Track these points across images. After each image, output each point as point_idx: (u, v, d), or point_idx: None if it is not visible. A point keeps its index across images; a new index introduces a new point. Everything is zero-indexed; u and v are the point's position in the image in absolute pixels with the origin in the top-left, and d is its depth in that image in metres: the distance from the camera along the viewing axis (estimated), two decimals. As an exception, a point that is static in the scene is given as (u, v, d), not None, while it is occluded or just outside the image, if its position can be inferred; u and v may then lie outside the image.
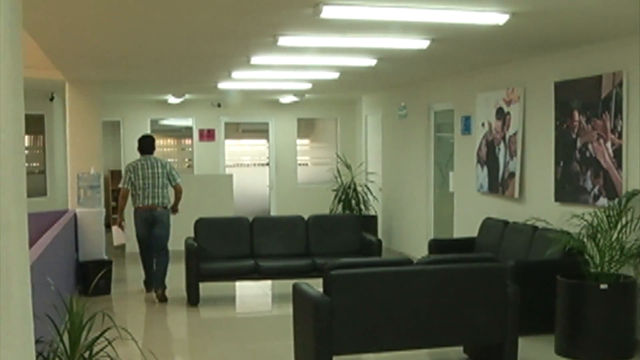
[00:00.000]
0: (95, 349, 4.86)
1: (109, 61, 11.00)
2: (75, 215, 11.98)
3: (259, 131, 20.82)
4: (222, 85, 14.37)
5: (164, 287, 11.51)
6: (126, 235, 12.14)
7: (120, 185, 11.77)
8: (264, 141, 20.86)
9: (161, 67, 11.78)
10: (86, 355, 4.77)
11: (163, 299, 11.30)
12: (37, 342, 3.33)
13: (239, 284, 12.42)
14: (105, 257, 12.30)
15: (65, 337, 4.83)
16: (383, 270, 7.22)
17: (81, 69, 11.85)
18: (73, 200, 12.76)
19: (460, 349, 8.14)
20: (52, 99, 17.10)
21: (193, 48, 9.67)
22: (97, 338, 4.93)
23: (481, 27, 7.86)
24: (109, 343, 4.84)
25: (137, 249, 11.93)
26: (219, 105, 19.79)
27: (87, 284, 11.06)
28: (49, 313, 5.04)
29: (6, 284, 2.95)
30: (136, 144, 12.12)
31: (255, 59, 10.45)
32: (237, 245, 11.49)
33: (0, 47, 2.91)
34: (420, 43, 8.94)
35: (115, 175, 18.72)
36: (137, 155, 11.86)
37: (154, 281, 11.68)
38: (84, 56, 10.45)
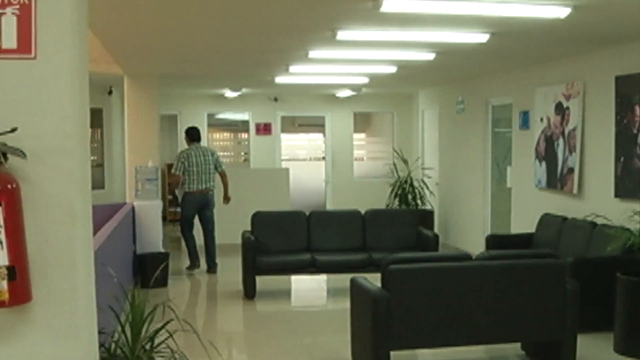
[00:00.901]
0: (156, 341, 4.90)
1: (167, 55, 11.06)
2: (133, 208, 12.08)
3: (315, 125, 20.81)
4: (280, 79, 14.39)
5: (216, 265, 12.89)
6: None
7: (173, 171, 12.68)
8: (320, 135, 20.85)
9: (219, 61, 11.82)
10: (147, 347, 4.80)
11: (213, 272, 12.58)
12: (99, 333, 3.35)
13: (294, 278, 12.42)
14: (163, 250, 12.37)
15: (127, 329, 4.87)
16: (442, 265, 7.18)
17: (140, 63, 11.94)
18: (131, 193, 12.87)
19: (518, 345, 8.06)
20: (110, 92, 17.25)
21: (251, 42, 9.69)
22: (159, 330, 4.96)
23: (542, 21, 7.79)
24: (170, 335, 4.87)
25: (198, 240, 12.06)
26: (275, 100, 19.82)
27: (144, 276, 11.14)
28: (111, 304, 5.08)
29: (72, 275, 2.99)
30: (183, 135, 13.28)
31: (313, 53, 10.44)
32: (293, 239, 11.50)
33: (68, 44, 2.95)
34: (480, 37, 8.88)
35: (171, 168, 18.85)
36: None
37: (210, 260, 12.94)
38: (143, 50, 10.53)
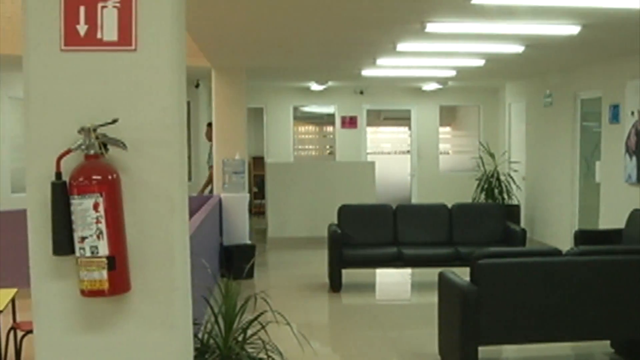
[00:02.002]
0: (248, 332, 4.93)
1: (256, 48, 11.12)
2: (220, 200, 12.18)
3: (401, 119, 20.72)
4: (366, 72, 14.36)
5: None
6: None
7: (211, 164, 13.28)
8: (405, 129, 20.76)
9: (306, 54, 11.85)
10: (240, 338, 4.83)
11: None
12: (193, 324, 3.38)
13: (378, 271, 12.41)
14: (249, 242, 12.44)
15: (219, 320, 4.90)
16: (532, 260, 7.10)
17: (228, 56, 12.03)
18: (218, 186, 12.98)
19: (607, 343, 7.94)
20: (197, 86, 17.39)
21: (340, 35, 9.70)
22: (253, 321, 4.99)
23: (635, 12, 7.64)
24: (263, 327, 4.89)
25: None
26: (361, 93, 19.79)
27: (231, 267, 11.22)
28: (202, 295, 5.12)
29: (169, 266, 3.01)
30: (207, 129, 14.05)
31: (401, 46, 10.40)
32: (380, 232, 11.48)
33: (168, 36, 2.97)
34: (571, 29, 8.75)
35: (257, 161, 18.97)
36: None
37: None
38: (232, 44, 10.60)
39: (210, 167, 13.62)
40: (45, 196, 2.92)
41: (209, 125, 13.93)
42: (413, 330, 9.19)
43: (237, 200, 12.37)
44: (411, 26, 8.80)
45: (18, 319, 8.03)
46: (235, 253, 11.66)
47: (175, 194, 3.00)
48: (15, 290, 7.95)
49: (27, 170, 2.99)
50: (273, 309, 5.38)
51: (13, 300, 7.78)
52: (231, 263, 11.39)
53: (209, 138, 13.89)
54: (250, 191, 17.26)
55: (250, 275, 11.65)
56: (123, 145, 2.90)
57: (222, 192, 12.47)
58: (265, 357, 4.79)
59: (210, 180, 13.68)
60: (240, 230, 12.34)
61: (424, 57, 12.03)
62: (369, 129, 20.41)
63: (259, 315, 5.05)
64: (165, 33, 2.97)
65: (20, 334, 7.75)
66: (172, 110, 2.98)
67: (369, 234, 11.42)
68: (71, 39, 2.93)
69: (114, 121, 2.89)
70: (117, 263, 2.84)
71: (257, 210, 18.79)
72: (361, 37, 9.89)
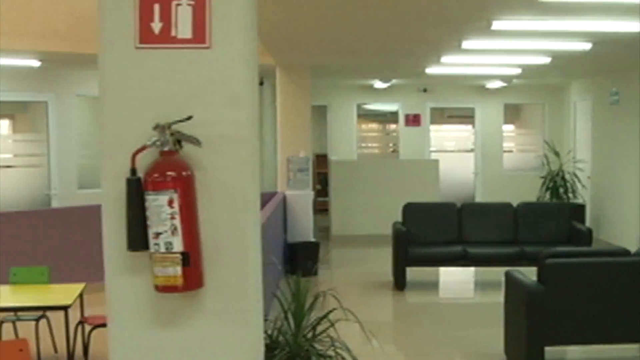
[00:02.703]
0: (317, 329, 4.93)
1: (320, 46, 11.13)
2: (284, 198, 12.22)
3: (464, 117, 20.60)
4: (431, 70, 14.30)
5: None
6: None
7: None
8: (469, 127, 20.63)
9: (371, 52, 11.83)
10: (309, 335, 4.84)
11: None
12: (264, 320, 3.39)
13: (442, 270, 12.36)
14: (313, 239, 12.47)
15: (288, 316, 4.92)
16: (600, 260, 7.02)
17: (293, 54, 12.05)
18: (282, 183, 13.02)
19: (678, 344, 7.83)
20: (261, 83, 17.45)
21: (405, 33, 9.67)
22: (323, 318, 4.99)
23: None
24: (332, 325, 4.89)
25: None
26: (425, 90, 19.71)
27: (295, 264, 11.26)
28: (273, 292, 5.13)
29: (243, 263, 3.03)
30: None
31: (466, 44, 10.34)
32: (444, 230, 11.44)
33: (241, 33, 2.99)
34: (638, 26, 8.62)
35: (320, 159, 18.99)
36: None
37: None
38: (297, 42, 10.62)
39: None
40: (120, 192, 2.95)
41: None
42: (478, 329, 9.13)
43: (301, 198, 12.40)
44: (477, 24, 8.75)
45: (86, 314, 8.13)
46: (300, 250, 11.69)
47: (249, 191, 3.01)
48: (83, 285, 8.07)
49: (102, 166, 3.01)
50: (336, 306, 5.38)
51: (81, 295, 7.88)
52: (295, 260, 11.43)
53: None
54: (313, 189, 17.30)
55: (314, 272, 11.67)
56: (197, 142, 2.92)
57: (287, 189, 12.51)
58: (332, 354, 4.80)
59: None
60: (304, 228, 12.37)
61: (489, 55, 11.94)
62: (433, 127, 20.32)
63: (329, 313, 5.06)
64: (239, 30, 2.99)
65: (88, 328, 7.86)
66: (245, 107, 2.99)
67: (434, 232, 11.39)
68: (146, 36, 2.96)
69: (189, 118, 2.91)
70: (191, 259, 2.87)
71: (320, 208, 18.81)
72: (426, 35, 9.85)
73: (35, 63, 12.30)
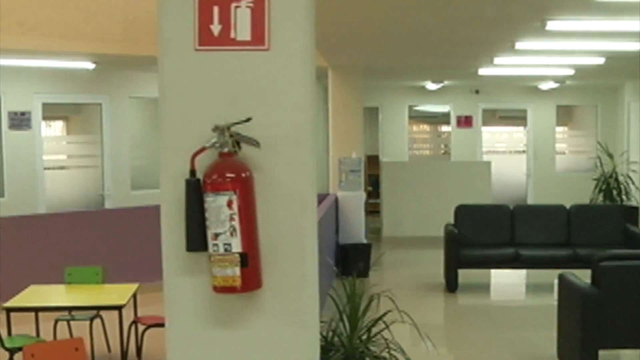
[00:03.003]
0: (372, 331, 4.93)
1: (373, 47, 11.14)
2: (336, 199, 12.23)
3: (516, 118, 20.47)
4: (483, 71, 14.24)
5: None
6: None
7: None
8: (520, 128, 20.51)
9: (424, 53, 11.82)
10: (364, 337, 4.84)
11: None
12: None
13: (493, 272, 12.30)
14: (365, 241, 12.47)
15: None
16: (657, 263, 6.94)
17: (345, 55, 12.06)
18: (334, 184, 13.03)
19: None
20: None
21: (458, 33, 9.64)
22: (378, 320, 4.99)
23: None
24: (387, 327, 4.89)
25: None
26: (476, 92, 19.62)
27: (346, 266, 11.25)
28: (329, 293, 5.14)
29: (301, 264, 3.03)
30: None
31: (520, 44, 10.28)
32: (497, 232, 11.38)
33: (299, 35, 3.00)
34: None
35: (372, 160, 18.96)
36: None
37: None
38: (350, 43, 10.64)
39: None
40: (179, 193, 2.96)
41: None
42: (530, 332, 9.08)
43: (353, 199, 12.41)
44: (531, 24, 8.70)
45: (139, 314, 8.20)
46: (351, 252, 11.69)
47: (307, 192, 3.02)
48: (137, 285, 8.13)
49: (161, 167, 3.03)
50: (387, 308, 5.37)
51: (135, 295, 7.95)
52: (347, 261, 11.43)
53: None
54: (365, 190, 17.30)
55: (365, 274, 11.67)
56: (256, 144, 2.93)
57: (339, 190, 12.52)
58: (387, 356, 4.79)
59: None
60: (356, 229, 12.37)
61: (543, 56, 11.87)
62: (484, 129, 20.22)
63: (384, 315, 5.06)
64: (297, 32, 3.00)
65: (141, 328, 7.92)
66: (304, 108, 3.00)
67: (486, 234, 11.33)
68: (205, 38, 2.97)
69: (248, 119, 2.93)
70: (249, 260, 2.87)
71: (371, 210, 18.80)
72: (480, 35, 9.81)
73: (90, 65, 12.44)
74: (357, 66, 13.42)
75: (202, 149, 2.92)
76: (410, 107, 19.96)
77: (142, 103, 15.02)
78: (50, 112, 14.03)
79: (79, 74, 13.58)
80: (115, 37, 11.07)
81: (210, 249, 2.88)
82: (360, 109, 13.66)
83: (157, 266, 9.03)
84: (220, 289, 2.92)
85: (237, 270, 2.86)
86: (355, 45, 10.90)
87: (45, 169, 13.87)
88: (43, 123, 13.87)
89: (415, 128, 20.42)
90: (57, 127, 15.17)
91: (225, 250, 2.85)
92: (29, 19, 10.56)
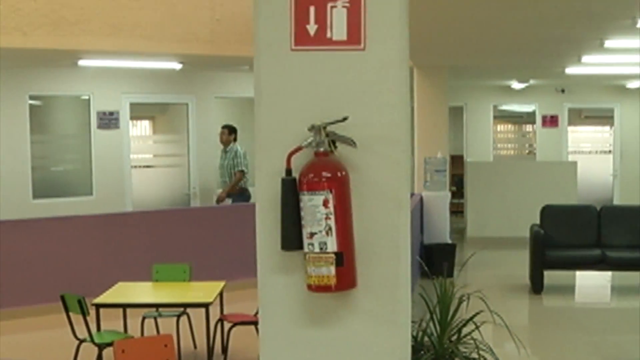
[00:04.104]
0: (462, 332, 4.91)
1: (459, 47, 11.08)
2: (421, 199, 12.20)
3: (602, 117, 20.16)
4: (570, 70, 14.05)
5: None
6: None
7: (243, 169, 12.93)
8: (606, 128, 20.19)
9: (510, 52, 11.73)
10: (453, 338, 4.82)
11: None
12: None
13: (579, 273, 12.15)
14: (449, 241, 12.42)
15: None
16: None
17: (431, 55, 12.02)
18: (419, 184, 13.00)
19: None
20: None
21: (545, 32, 9.54)
22: (469, 320, 4.97)
23: None
24: (477, 327, 4.86)
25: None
26: (562, 91, 19.36)
27: (430, 266, 11.20)
28: (420, 293, 5.12)
29: (395, 264, 3.03)
30: (222, 134, 13.29)
31: (609, 42, 10.12)
32: (583, 233, 11.23)
33: (395, 35, 3.00)
34: None
35: (456, 160, 18.85)
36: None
37: None
38: (436, 43, 10.60)
39: (240, 172, 13.00)
40: (274, 192, 2.98)
41: (226, 127, 13.39)
42: (616, 335, 8.95)
43: (438, 199, 12.38)
44: (621, 22, 8.56)
45: (225, 312, 8.27)
46: (435, 252, 11.65)
47: (402, 192, 3.02)
48: (223, 283, 8.20)
49: (257, 166, 3.06)
50: (473, 309, 5.33)
51: (221, 293, 8.01)
52: (431, 261, 11.39)
53: (225, 141, 13.29)
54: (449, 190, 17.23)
55: (450, 274, 11.59)
56: (353, 143, 2.93)
57: (423, 190, 12.49)
58: (476, 356, 4.77)
59: (235, 184, 13.02)
60: (440, 229, 12.34)
61: (633, 54, 11.65)
62: (570, 128, 19.95)
63: (474, 315, 5.04)
64: (393, 32, 3.00)
65: (227, 325, 7.99)
66: (400, 108, 3.00)
67: (572, 235, 11.19)
68: (301, 38, 2.99)
69: (344, 119, 2.93)
70: (344, 259, 2.88)
71: (454, 210, 18.69)
72: (567, 33, 9.69)
73: (177, 66, 12.59)
74: (443, 66, 13.37)
75: (299, 148, 2.93)
76: (494, 107, 19.80)
77: (228, 103, 15.16)
78: (137, 112, 14.24)
79: (166, 74, 13.76)
80: (201, 37, 11.18)
81: (306, 248, 2.89)
82: (446, 108, 13.61)
83: (243, 264, 9.17)
84: (315, 288, 2.93)
85: (332, 270, 2.86)
86: (441, 44, 10.86)
87: (132, 167, 14.08)
88: (130, 123, 14.08)
89: (500, 127, 20.25)
90: (143, 127, 15.39)
91: (321, 249, 2.86)
92: (118, 20, 10.74)
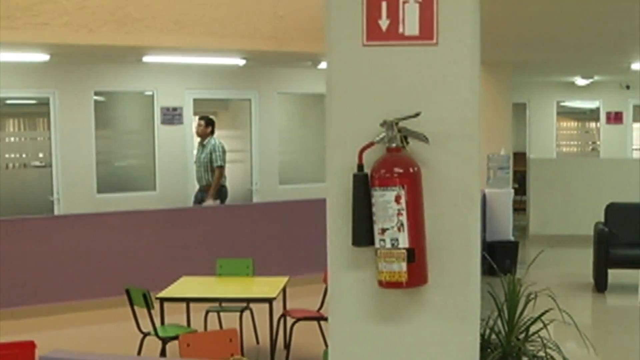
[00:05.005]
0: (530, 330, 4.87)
1: (525, 42, 10.99)
2: (483, 196, 12.13)
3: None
4: (636, 65, 13.86)
5: None
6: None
7: (221, 164, 12.49)
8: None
9: (575, 47, 11.62)
10: (521, 336, 4.78)
11: None
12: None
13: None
14: (512, 238, 12.34)
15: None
16: None
17: (496, 50, 11.92)
18: (482, 181, 12.92)
19: None
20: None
21: (613, 26, 9.43)
22: (537, 319, 4.93)
23: None
24: (545, 326, 4.82)
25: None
26: (627, 87, 19.11)
27: (493, 263, 11.13)
28: (489, 290, 5.07)
29: (467, 260, 3.01)
30: (198, 126, 12.82)
31: (677, 38, 9.98)
32: (649, 232, 11.08)
33: (468, 30, 2.98)
34: None
35: (518, 157, 18.70)
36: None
37: None
38: (501, 37, 10.51)
39: (219, 167, 12.56)
40: (345, 188, 2.98)
41: (203, 119, 12.90)
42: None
43: (501, 196, 12.32)
44: (690, 16, 8.44)
45: (288, 307, 8.29)
46: (498, 249, 11.58)
47: (473, 188, 3.00)
48: (287, 278, 8.22)
49: (327, 162, 3.06)
50: (549, 308, 5.27)
51: (284, 288, 8.04)
52: (493, 259, 11.31)
53: (201, 134, 12.82)
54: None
55: (511, 272, 11.51)
56: (425, 139, 2.91)
57: (486, 187, 12.41)
58: (543, 355, 4.72)
59: (218, 182, 12.57)
60: (503, 227, 12.28)
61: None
62: (635, 125, 19.70)
63: (543, 313, 4.99)
64: (465, 27, 2.97)
65: (290, 321, 8.01)
66: (472, 104, 2.98)
67: (638, 233, 11.03)
68: (373, 34, 2.98)
69: (417, 114, 2.92)
70: (416, 255, 2.86)
71: (516, 207, 18.56)
72: (635, 28, 9.55)
73: (240, 62, 12.65)
74: (507, 61, 13.26)
75: (371, 144, 2.93)
76: (558, 103, 19.61)
77: (290, 98, 15.20)
78: (200, 107, 14.32)
79: (229, 70, 13.84)
80: (265, 33, 11.22)
81: (377, 243, 2.89)
82: (509, 105, 13.53)
83: (305, 260, 9.21)
84: (386, 284, 2.92)
85: (404, 266, 2.85)
86: (507, 39, 10.77)
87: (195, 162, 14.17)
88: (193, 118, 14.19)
89: (563, 124, 20.06)
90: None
91: (392, 245, 2.85)
92: (182, 17, 10.82)
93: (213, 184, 12.41)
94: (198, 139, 12.84)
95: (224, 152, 12.53)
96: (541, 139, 19.32)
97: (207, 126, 12.67)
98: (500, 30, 9.88)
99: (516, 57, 12.88)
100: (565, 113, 20.02)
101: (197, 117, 13.27)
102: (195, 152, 13.05)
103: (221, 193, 12.52)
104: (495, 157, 12.43)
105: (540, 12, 8.40)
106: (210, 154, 12.49)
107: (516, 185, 17.37)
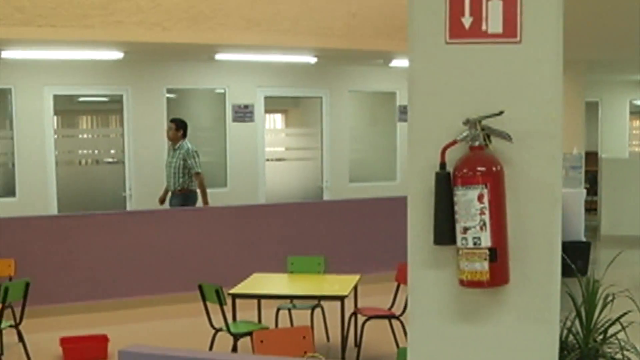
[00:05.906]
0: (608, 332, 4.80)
1: (600, 39, 10.86)
2: (557, 195, 12.04)
3: None
4: None
5: None
6: None
7: (200, 170, 11.81)
8: None
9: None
10: (599, 338, 4.72)
11: None
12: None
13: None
14: (584, 239, 12.19)
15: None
16: None
17: (568, 48, 11.75)
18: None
19: None
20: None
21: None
22: (616, 320, 4.86)
23: None
24: (623, 328, 4.75)
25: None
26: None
27: (564, 264, 11.04)
28: (567, 291, 5.02)
29: (549, 260, 2.99)
30: (169, 129, 12.24)
31: None
32: None
33: (552, 27, 2.96)
34: None
35: (590, 157, 18.48)
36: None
37: None
38: (577, 34, 10.39)
39: (198, 174, 11.84)
40: (426, 186, 2.97)
41: (173, 122, 12.21)
42: None
43: (572, 196, 12.17)
44: None
45: (359, 305, 8.29)
46: (569, 250, 11.42)
47: (556, 188, 2.97)
48: (358, 276, 8.23)
49: (409, 160, 3.05)
50: (628, 310, 5.19)
51: (355, 286, 8.04)
52: (564, 259, 11.21)
53: (172, 138, 12.13)
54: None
55: (584, 272, 11.38)
56: (508, 137, 2.89)
57: (558, 186, 12.31)
58: (621, 357, 4.65)
59: (204, 188, 11.91)
60: (574, 227, 12.13)
61: None
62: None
63: (622, 315, 4.92)
64: (549, 24, 2.95)
65: (361, 319, 8.01)
66: (555, 103, 2.96)
67: None
68: (456, 31, 2.96)
69: (500, 113, 2.90)
70: (498, 255, 2.85)
71: (587, 207, 18.35)
72: None
73: (312, 59, 12.67)
74: (581, 60, 13.11)
75: (454, 142, 2.91)
76: (631, 102, 19.35)
77: (361, 97, 15.19)
78: (270, 105, 14.39)
79: (300, 68, 13.88)
80: (337, 31, 11.24)
81: (459, 242, 2.87)
82: (582, 104, 13.38)
83: (377, 258, 9.21)
84: (467, 283, 2.90)
85: (486, 265, 2.84)
86: (582, 36, 10.63)
87: (265, 160, 14.25)
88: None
89: (635, 123, 19.78)
90: (276, 120, 15.56)
91: (474, 244, 2.83)
92: (255, 15, 10.88)
93: (200, 191, 11.89)
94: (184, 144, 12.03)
95: (198, 155, 11.97)
96: (613, 138, 19.08)
97: (178, 129, 11.99)
98: (574, 28, 9.76)
99: (589, 55, 12.71)
100: (638, 112, 19.73)
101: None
102: (166, 157, 12.63)
103: (190, 198, 11.98)
104: (568, 156, 12.31)
105: (615, 9, 8.29)
106: (184, 159, 11.81)
107: (587, 185, 17.19)
